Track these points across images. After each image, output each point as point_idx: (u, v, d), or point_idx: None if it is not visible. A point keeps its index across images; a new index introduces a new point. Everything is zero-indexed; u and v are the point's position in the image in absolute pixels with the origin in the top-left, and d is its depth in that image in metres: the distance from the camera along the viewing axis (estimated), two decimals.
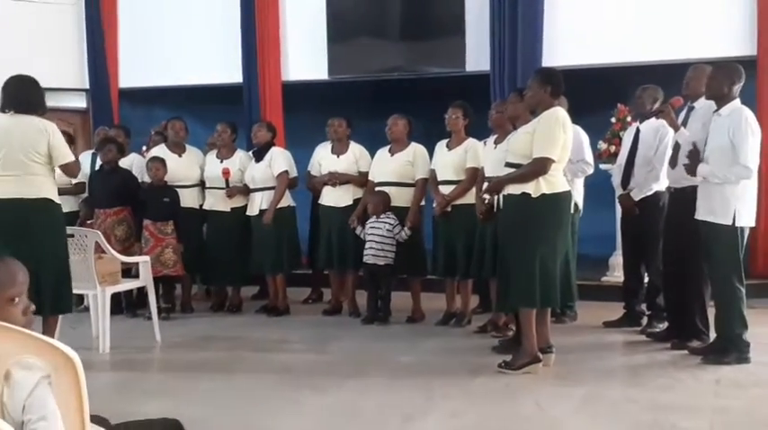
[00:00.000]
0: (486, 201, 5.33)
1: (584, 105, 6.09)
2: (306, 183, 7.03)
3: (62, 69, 9.25)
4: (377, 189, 6.31)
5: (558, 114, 4.67)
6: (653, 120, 5.59)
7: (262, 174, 6.69)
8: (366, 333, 6.04)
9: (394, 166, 6.31)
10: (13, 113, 4.80)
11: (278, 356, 5.45)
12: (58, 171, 5.03)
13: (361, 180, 6.55)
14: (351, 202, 6.53)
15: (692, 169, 4.83)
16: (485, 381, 4.58)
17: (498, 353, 5.05)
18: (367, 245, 6.20)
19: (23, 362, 1.74)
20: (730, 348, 4.83)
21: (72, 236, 5.33)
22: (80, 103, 9.65)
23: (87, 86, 9.58)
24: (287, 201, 6.73)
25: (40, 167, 4.79)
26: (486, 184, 5.47)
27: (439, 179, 6.09)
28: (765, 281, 6.93)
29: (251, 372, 4.96)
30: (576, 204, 5.76)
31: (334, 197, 6.62)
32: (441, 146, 6.16)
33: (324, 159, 6.75)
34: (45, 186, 4.85)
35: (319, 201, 6.77)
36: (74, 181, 6.26)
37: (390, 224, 6.14)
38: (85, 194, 6.96)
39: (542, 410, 4.06)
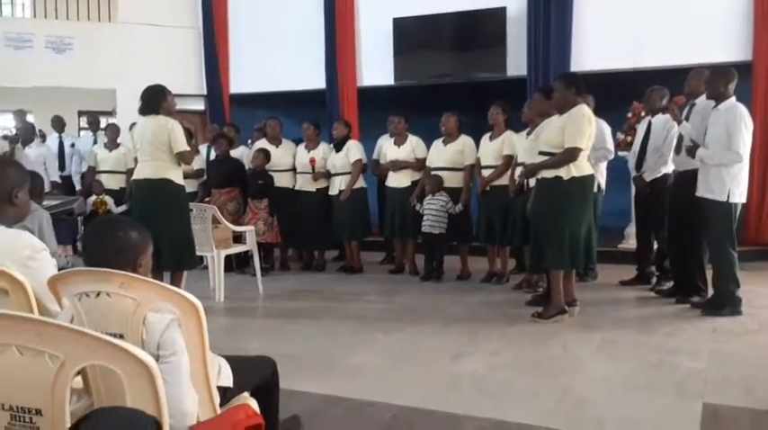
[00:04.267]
0: (517, 182, 5.47)
1: (606, 102, 5.95)
2: (371, 169, 7.05)
3: (186, 79, 9.45)
4: (432, 173, 6.28)
5: (584, 110, 4.57)
6: (661, 115, 5.45)
7: (340, 162, 6.74)
8: (423, 288, 6.05)
9: (447, 155, 6.26)
10: (145, 115, 4.95)
11: (354, 305, 5.51)
12: None
13: (418, 165, 6.52)
14: (409, 184, 6.51)
15: (691, 154, 4.71)
16: (520, 328, 4.56)
17: (531, 306, 5.02)
18: (424, 217, 6.19)
19: (157, 306, 1.75)
20: (725, 303, 4.72)
21: (194, 210, 5.47)
22: (199, 105, 9.84)
23: (205, 92, 9.77)
24: (360, 183, 6.76)
25: (163, 154, 4.88)
26: (518, 168, 5.46)
27: (482, 164, 6.03)
28: (755, 247, 6.79)
29: (333, 318, 5.02)
30: (599, 185, 5.68)
31: (396, 180, 6.62)
32: (485, 137, 6.11)
33: (387, 149, 6.75)
34: (167, 170, 4.92)
35: (385, 184, 6.79)
36: (195, 167, 6.40)
37: (443, 201, 6.12)
38: (204, 178, 7.13)
39: (568, 351, 4.03)
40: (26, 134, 7.70)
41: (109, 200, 7.28)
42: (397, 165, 6.57)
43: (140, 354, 1.39)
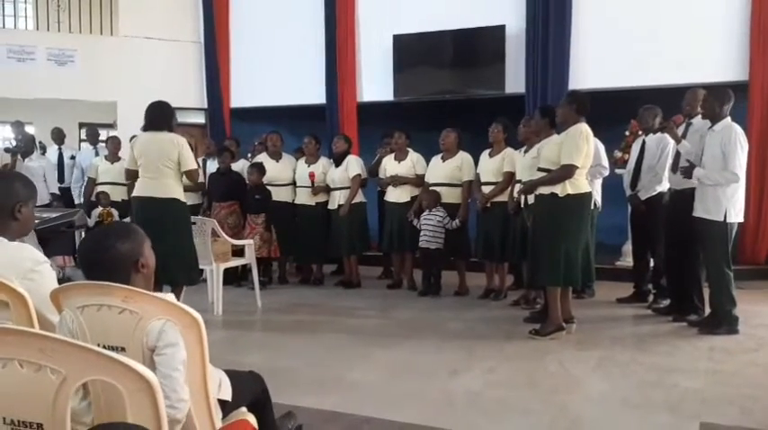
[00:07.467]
0: (516, 199, 5.47)
1: (603, 121, 5.96)
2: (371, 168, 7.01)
3: (187, 92, 9.51)
4: (430, 188, 6.31)
5: (583, 129, 4.61)
6: (655, 134, 5.50)
7: (340, 177, 6.76)
8: (421, 303, 6.05)
9: (445, 170, 6.29)
10: (152, 131, 4.94)
11: (352, 320, 5.50)
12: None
13: (417, 181, 6.54)
14: (409, 199, 6.53)
15: (688, 175, 4.74)
16: (517, 345, 4.57)
17: (529, 323, 5.03)
18: (422, 233, 6.21)
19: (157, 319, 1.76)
20: (722, 322, 4.74)
21: (195, 224, 5.47)
22: (200, 119, 9.88)
23: (206, 106, 9.80)
24: (359, 197, 6.78)
25: (170, 172, 4.90)
26: (517, 185, 5.48)
27: (482, 181, 6.05)
28: (752, 266, 6.80)
29: (330, 332, 5.02)
30: (595, 202, 5.69)
31: (395, 195, 6.64)
32: (484, 154, 6.13)
33: (388, 164, 6.77)
34: (173, 188, 4.94)
35: (384, 198, 6.81)
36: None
37: (440, 216, 6.14)
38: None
39: (564, 369, 4.03)
40: (27, 146, 7.72)
41: (114, 212, 7.29)
42: (398, 181, 6.60)
43: (141, 370, 1.40)
